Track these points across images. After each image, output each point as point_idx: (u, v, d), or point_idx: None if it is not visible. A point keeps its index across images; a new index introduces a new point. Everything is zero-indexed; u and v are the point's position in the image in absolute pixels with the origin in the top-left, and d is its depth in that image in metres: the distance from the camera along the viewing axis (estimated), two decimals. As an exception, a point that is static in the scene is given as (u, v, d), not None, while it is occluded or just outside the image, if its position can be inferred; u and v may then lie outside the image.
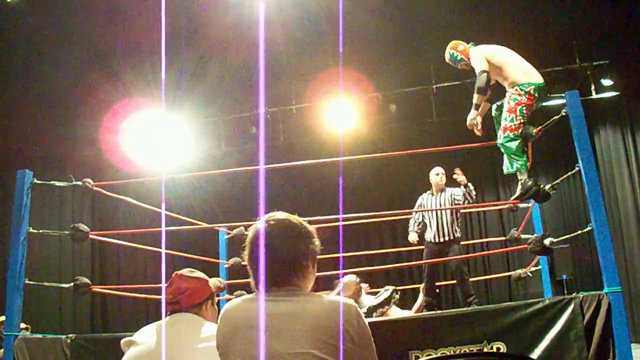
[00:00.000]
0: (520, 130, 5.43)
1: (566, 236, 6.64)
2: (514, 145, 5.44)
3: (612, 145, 11.50)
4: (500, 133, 5.57)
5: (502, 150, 5.57)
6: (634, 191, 11.15)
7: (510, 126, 5.45)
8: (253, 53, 10.47)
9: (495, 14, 9.92)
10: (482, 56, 5.78)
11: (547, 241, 5.30)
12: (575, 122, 5.03)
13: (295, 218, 2.35)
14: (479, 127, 5.82)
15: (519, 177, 5.50)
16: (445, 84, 11.32)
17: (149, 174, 9.93)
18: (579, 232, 5.52)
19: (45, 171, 8.03)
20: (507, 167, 5.59)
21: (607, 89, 10.99)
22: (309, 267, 2.31)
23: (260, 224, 2.30)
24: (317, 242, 2.36)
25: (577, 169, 5.02)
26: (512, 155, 5.47)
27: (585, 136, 5.01)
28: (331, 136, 11.67)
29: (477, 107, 5.77)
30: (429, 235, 7.71)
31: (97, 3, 9.40)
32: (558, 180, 5.69)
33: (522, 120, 5.44)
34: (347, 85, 11.19)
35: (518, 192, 5.52)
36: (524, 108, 5.45)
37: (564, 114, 5.12)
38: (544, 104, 5.99)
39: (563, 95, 5.23)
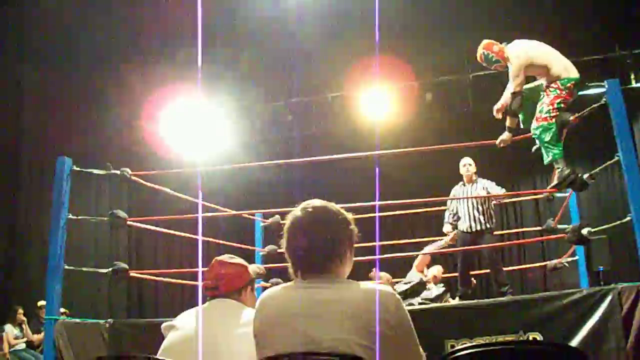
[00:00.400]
0: (554, 119, 5.37)
1: (604, 226, 6.57)
2: (548, 134, 5.38)
3: (652, 135, 11.33)
4: (534, 123, 5.51)
5: (537, 140, 5.51)
6: (674, 182, 10.97)
7: (546, 117, 5.40)
8: (289, 41, 10.49)
9: (533, 1, 9.82)
10: (521, 68, 5.68)
11: (584, 231, 5.26)
12: (615, 111, 4.98)
13: (332, 205, 2.35)
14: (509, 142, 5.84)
15: (555, 166, 5.44)
16: (482, 73, 11.20)
17: (185, 161, 10.01)
18: (618, 222, 5.46)
19: (84, 159, 8.10)
20: (545, 157, 5.53)
21: (647, 78, 10.82)
22: (346, 254, 2.30)
23: (297, 212, 2.31)
24: (354, 228, 2.34)
25: (616, 158, 4.96)
26: (546, 144, 5.42)
27: (625, 125, 4.96)
28: (366, 125, 11.65)
29: (510, 129, 5.74)
30: (462, 226, 7.67)
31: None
32: (597, 170, 5.63)
33: (557, 113, 5.39)
34: (383, 74, 11.16)
35: (555, 180, 5.47)
36: (562, 102, 5.40)
37: (603, 102, 5.06)
38: (582, 92, 5.93)
39: (602, 84, 5.17)
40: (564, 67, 5.55)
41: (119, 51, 10.48)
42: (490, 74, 11.12)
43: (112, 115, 11.60)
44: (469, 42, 10.91)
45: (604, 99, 5.06)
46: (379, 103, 11.44)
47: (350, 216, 2.35)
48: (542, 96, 5.53)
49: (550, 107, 5.40)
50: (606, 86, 5.09)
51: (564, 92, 5.40)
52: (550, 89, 5.48)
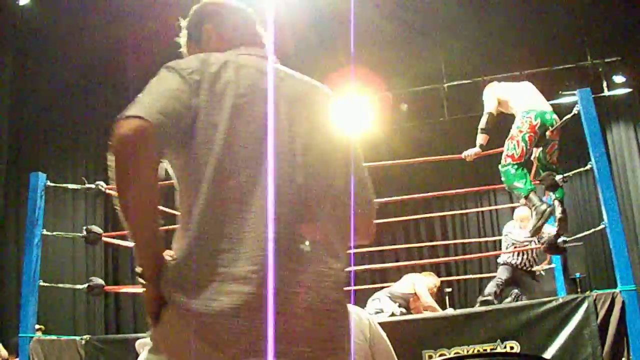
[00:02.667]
0: (522, 159, 5.39)
1: (579, 235, 6.63)
2: (510, 176, 5.37)
3: (625, 142, 11.46)
4: (502, 159, 5.52)
5: (501, 175, 5.51)
6: (647, 188, 11.11)
7: (512, 154, 5.36)
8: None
9: (506, 12, 9.91)
10: (493, 95, 5.85)
11: (560, 240, 5.29)
12: (587, 120, 5.02)
13: None
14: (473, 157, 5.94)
15: (528, 204, 5.40)
16: (456, 83, 11.29)
17: (160, 173, 9.94)
18: (592, 230, 5.50)
19: (59, 173, 8.04)
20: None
21: (619, 86, 10.95)
22: None
23: None
24: None
25: (589, 166, 5.01)
26: (511, 186, 5.41)
27: (597, 133, 5.00)
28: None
29: (482, 146, 5.84)
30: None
31: (109, 4, 9.44)
32: (570, 174, 5.66)
33: (524, 148, 5.33)
34: (359, 84, 11.18)
35: (532, 223, 5.38)
36: (527, 135, 5.35)
37: (576, 111, 5.10)
38: (556, 101, 5.96)
39: (575, 92, 5.21)
40: (527, 99, 5.63)
41: (95, 61, 10.42)
42: (466, 84, 11.23)
43: (88, 128, 11.51)
44: (444, 52, 11.03)
45: (577, 108, 5.09)
46: (355, 113, 11.45)
47: None
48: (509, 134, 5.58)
49: (515, 142, 5.36)
50: (578, 95, 5.13)
51: (525, 125, 5.36)
52: (515, 125, 5.50)
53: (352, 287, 7.28)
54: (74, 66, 10.28)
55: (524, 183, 5.31)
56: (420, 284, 7.36)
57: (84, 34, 9.75)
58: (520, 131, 5.38)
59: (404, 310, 7.14)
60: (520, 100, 5.63)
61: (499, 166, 5.47)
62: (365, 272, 13.46)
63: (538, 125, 5.35)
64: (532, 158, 5.93)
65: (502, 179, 5.46)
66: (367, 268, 8.46)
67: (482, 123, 5.76)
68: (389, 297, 7.26)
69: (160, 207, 1.61)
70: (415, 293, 7.32)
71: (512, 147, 5.40)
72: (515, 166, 5.34)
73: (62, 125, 11.09)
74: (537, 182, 5.61)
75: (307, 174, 1.75)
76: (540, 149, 5.63)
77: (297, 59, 10.75)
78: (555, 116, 5.43)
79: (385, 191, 13.39)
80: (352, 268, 6.62)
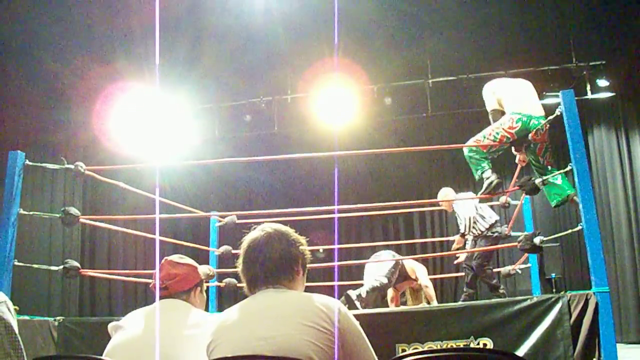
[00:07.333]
0: (486, 150, 5.49)
1: (556, 235, 6.67)
2: (477, 155, 5.51)
3: (606, 146, 11.52)
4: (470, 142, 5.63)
5: (465, 156, 5.62)
6: (626, 192, 11.17)
7: (479, 140, 5.52)
8: (249, 41, 10.43)
9: (492, 11, 9.92)
10: (491, 93, 5.96)
11: (537, 239, 5.32)
12: (569, 122, 5.03)
13: (286, 227, 2.58)
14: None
15: (484, 177, 5.52)
16: (441, 79, 11.31)
17: (142, 159, 9.90)
18: (569, 231, 5.53)
19: (38, 155, 7.92)
20: (475, 173, 5.61)
21: (602, 90, 11.00)
22: (299, 273, 2.51)
23: (254, 234, 2.53)
24: (305, 249, 2.57)
25: (569, 167, 5.03)
26: (473, 160, 5.52)
27: (579, 135, 5.01)
28: (326, 127, 11.64)
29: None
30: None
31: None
32: (549, 176, 5.69)
33: (492, 141, 5.51)
34: (343, 77, 11.16)
35: (483, 188, 5.57)
36: (500, 134, 5.50)
37: (558, 113, 5.12)
38: (541, 102, 5.97)
39: (558, 94, 5.23)
40: (516, 100, 5.72)
41: (76, 45, 10.31)
42: (450, 80, 11.25)
43: (69, 111, 11.41)
44: (429, 47, 11.02)
45: (559, 110, 5.11)
46: (339, 105, 11.43)
47: (302, 239, 2.58)
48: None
49: (486, 134, 5.53)
50: (561, 96, 5.15)
51: (505, 124, 5.52)
52: (499, 120, 5.63)
53: (335, 283, 7.31)
54: (53, 45, 10.17)
55: (487, 162, 5.52)
56: (421, 270, 7.77)
57: (66, 15, 9.64)
58: (497, 127, 5.51)
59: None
60: (512, 101, 5.72)
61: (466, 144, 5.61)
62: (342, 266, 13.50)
63: (517, 129, 5.48)
64: (516, 161, 6.00)
65: (465, 154, 5.58)
66: (347, 264, 8.45)
67: (492, 121, 5.88)
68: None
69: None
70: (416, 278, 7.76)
71: (483, 135, 5.57)
72: (475, 150, 5.47)
73: (43, 106, 10.99)
74: (518, 187, 5.67)
75: None
76: (531, 155, 5.73)
77: (283, 48, 10.77)
78: (542, 121, 5.50)
79: (369, 184, 13.46)
80: (336, 263, 6.69)
